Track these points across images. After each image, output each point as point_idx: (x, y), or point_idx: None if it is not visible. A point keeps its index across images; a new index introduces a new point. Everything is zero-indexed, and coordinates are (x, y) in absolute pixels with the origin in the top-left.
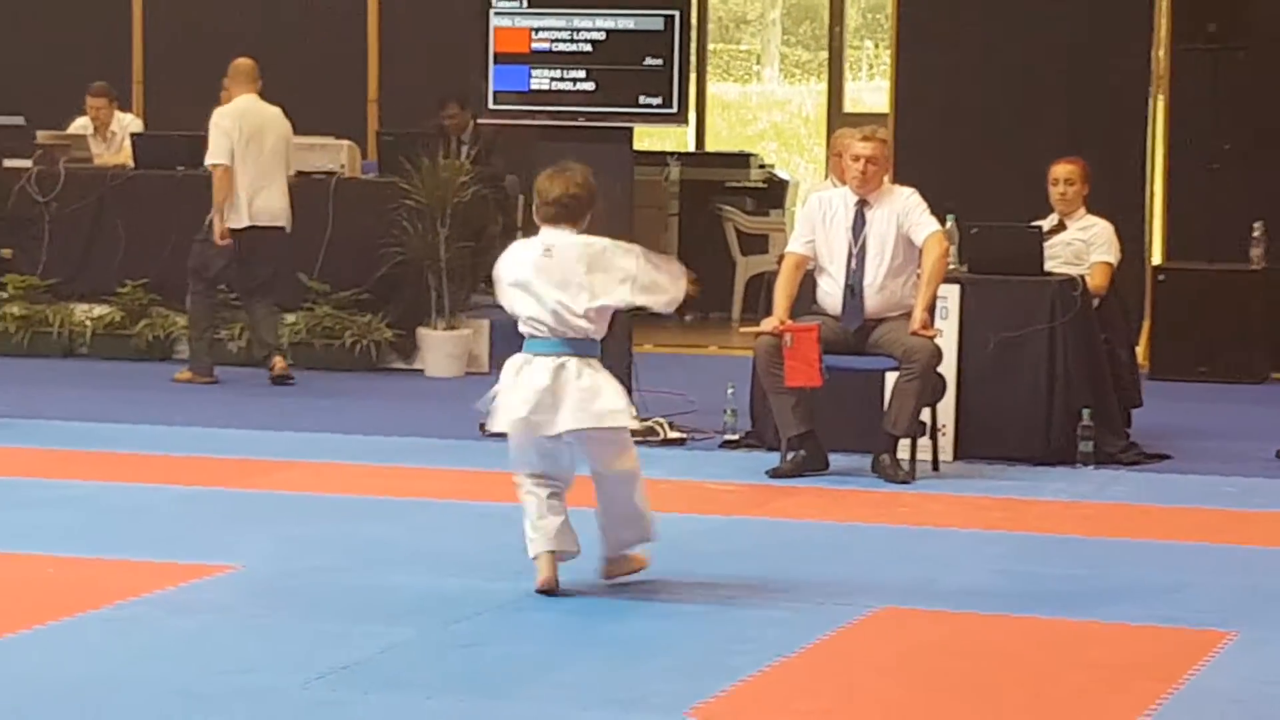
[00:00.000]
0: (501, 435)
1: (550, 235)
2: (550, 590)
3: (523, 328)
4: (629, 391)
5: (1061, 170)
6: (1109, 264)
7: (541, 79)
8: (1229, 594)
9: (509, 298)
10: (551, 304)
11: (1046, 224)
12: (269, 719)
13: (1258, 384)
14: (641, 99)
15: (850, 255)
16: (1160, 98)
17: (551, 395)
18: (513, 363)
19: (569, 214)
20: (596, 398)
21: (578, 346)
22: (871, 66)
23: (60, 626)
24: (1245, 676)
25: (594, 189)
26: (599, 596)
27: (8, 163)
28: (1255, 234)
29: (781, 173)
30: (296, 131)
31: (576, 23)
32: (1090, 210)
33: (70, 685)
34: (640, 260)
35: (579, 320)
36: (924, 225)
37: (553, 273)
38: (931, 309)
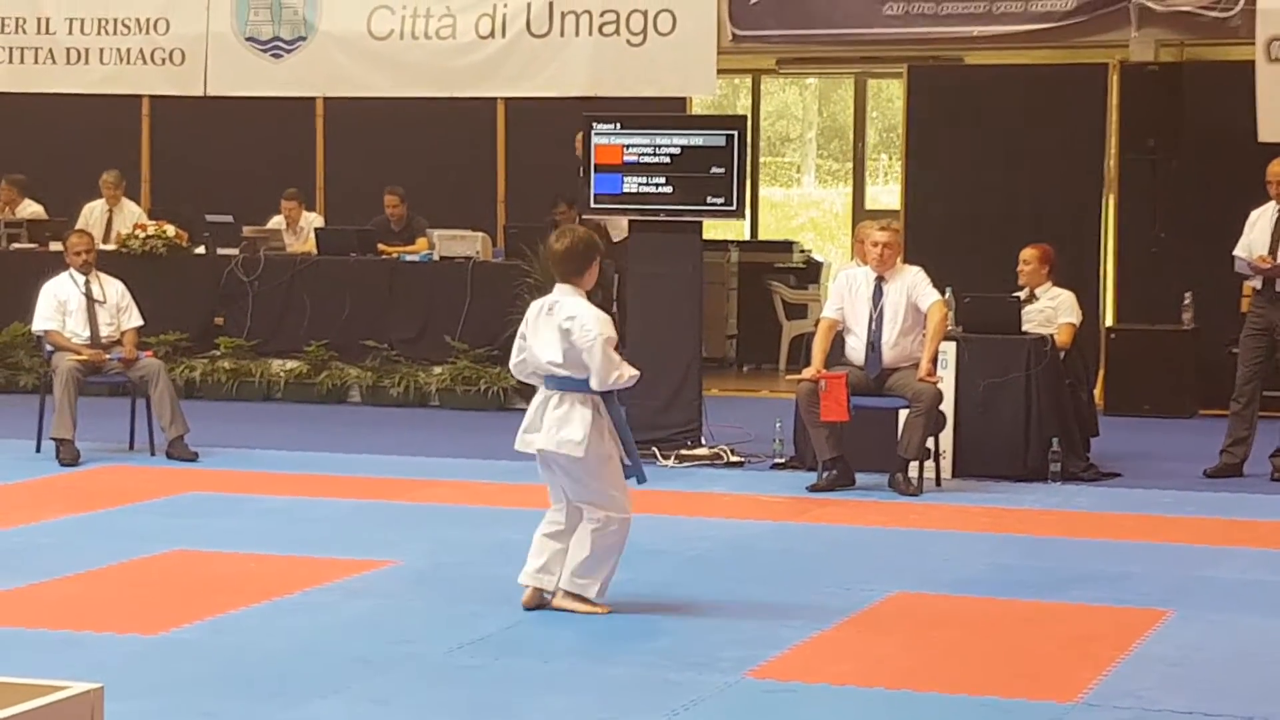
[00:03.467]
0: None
1: (557, 294)
2: (528, 607)
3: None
4: (699, 425)
5: (1025, 253)
6: (1072, 324)
7: (631, 184)
8: (1167, 580)
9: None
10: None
11: (1023, 295)
12: (422, 678)
13: (1189, 419)
14: (709, 199)
15: (871, 319)
16: (1111, 196)
17: (539, 419)
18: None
19: (574, 270)
20: (564, 426)
21: (562, 383)
22: (886, 174)
23: (261, 609)
24: (1181, 644)
25: (593, 246)
26: (670, 587)
27: (220, 250)
28: (1186, 302)
29: (817, 256)
30: (442, 225)
31: (658, 140)
32: (1056, 284)
33: (270, 654)
34: (596, 352)
35: (554, 366)
36: (928, 296)
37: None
38: (934, 361)
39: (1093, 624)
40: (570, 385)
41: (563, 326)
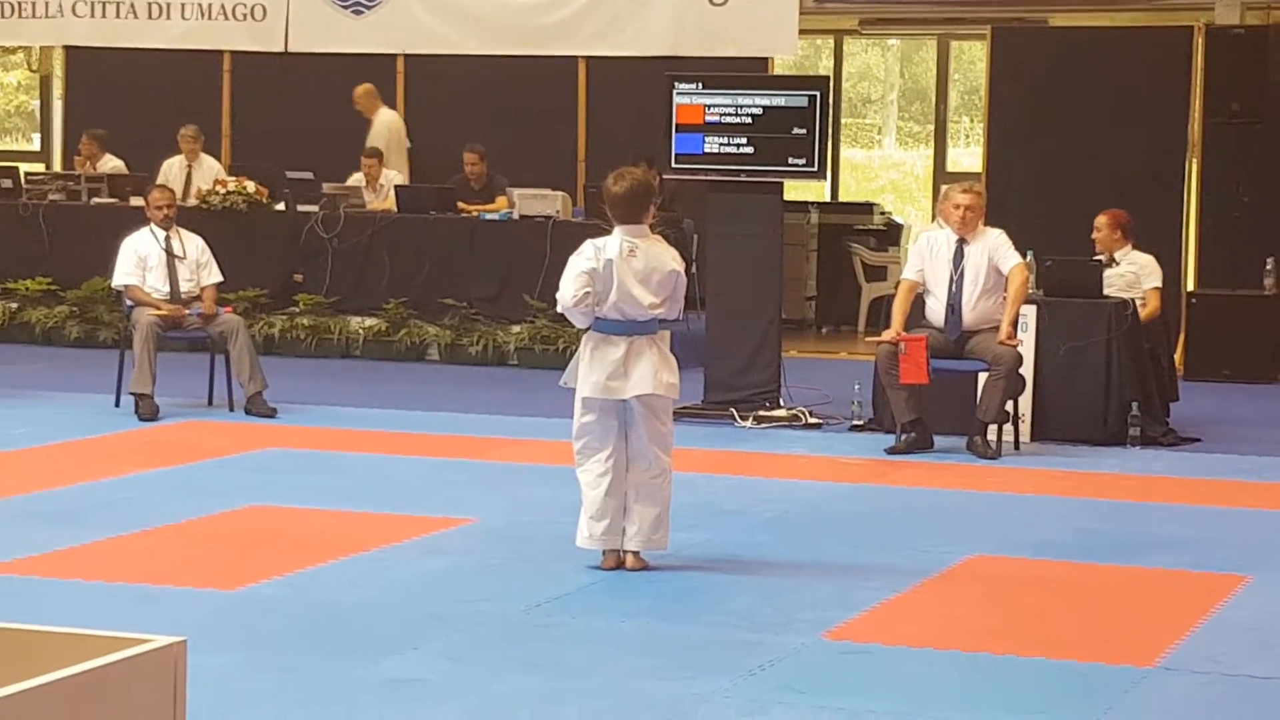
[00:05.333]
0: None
1: (627, 235)
2: (609, 569)
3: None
4: (778, 387)
5: (1097, 220)
6: (1157, 288)
7: (713, 144)
8: (1246, 546)
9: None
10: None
11: (1103, 260)
12: (499, 636)
13: (1269, 384)
14: (790, 160)
15: (951, 281)
16: (1194, 161)
17: (621, 367)
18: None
19: (636, 211)
20: (662, 369)
21: (645, 326)
22: (968, 137)
23: (340, 564)
24: (1260, 610)
25: (651, 186)
26: (747, 549)
27: (301, 207)
28: (1268, 267)
29: (897, 218)
30: (522, 184)
31: (740, 100)
32: (1136, 248)
33: (348, 608)
34: (682, 289)
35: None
36: (1009, 259)
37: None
38: (1015, 324)
39: (1171, 589)
40: (653, 328)
41: (658, 269)
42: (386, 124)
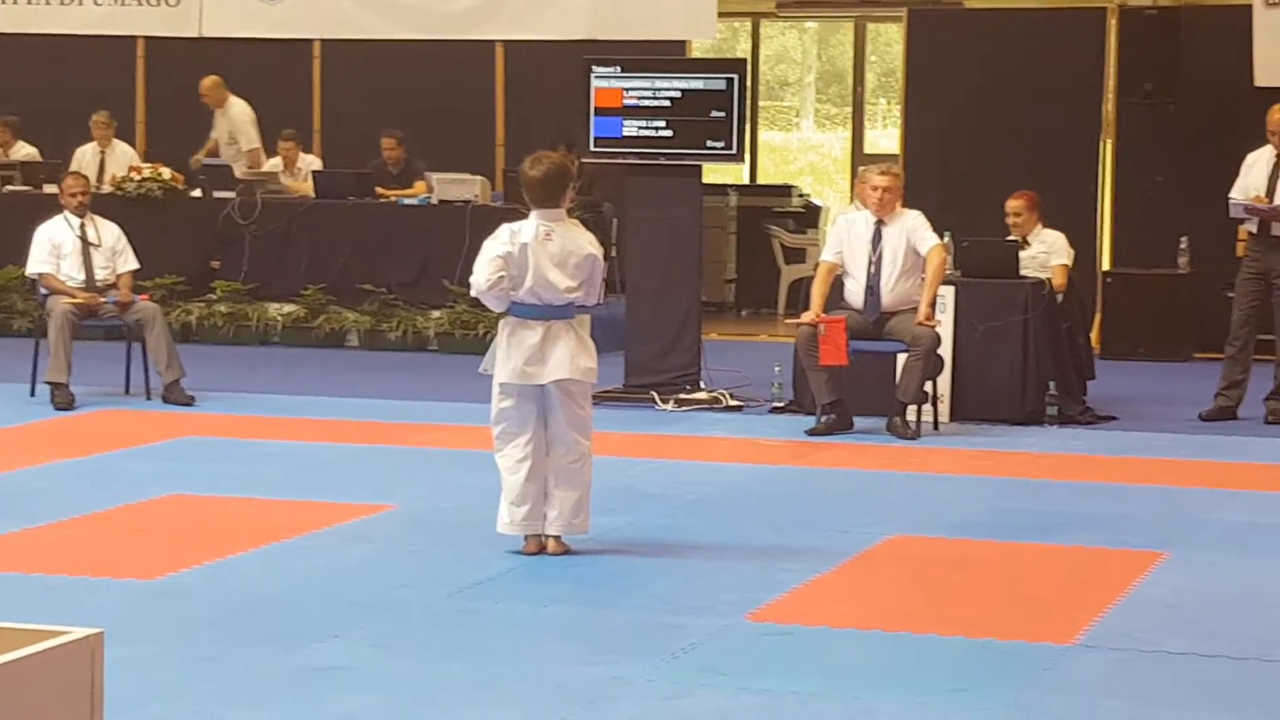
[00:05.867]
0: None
1: (543, 219)
2: (531, 554)
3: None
4: (698, 370)
5: (1012, 204)
6: (1065, 265)
7: (631, 127)
8: (1163, 523)
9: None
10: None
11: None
12: (420, 624)
13: (1184, 362)
14: (708, 143)
15: (870, 263)
16: (1108, 141)
17: (539, 352)
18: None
19: (553, 195)
20: (580, 354)
21: (563, 311)
22: (885, 119)
23: (260, 552)
24: (1175, 587)
25: (567, 170)
26: (668, 531)
27: (217, 194)
28: (1182, 246)
29: (816, 200)
30: (440, 169)
31: (658, 84)
32: (1045, 225)
33: (269, 596)
34: (599, 275)
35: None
36: (927, 240)
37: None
38: (933, 305)
39: (1089, 566)
40: (570, 313)
41: (575, 253)
42: (244, 113)
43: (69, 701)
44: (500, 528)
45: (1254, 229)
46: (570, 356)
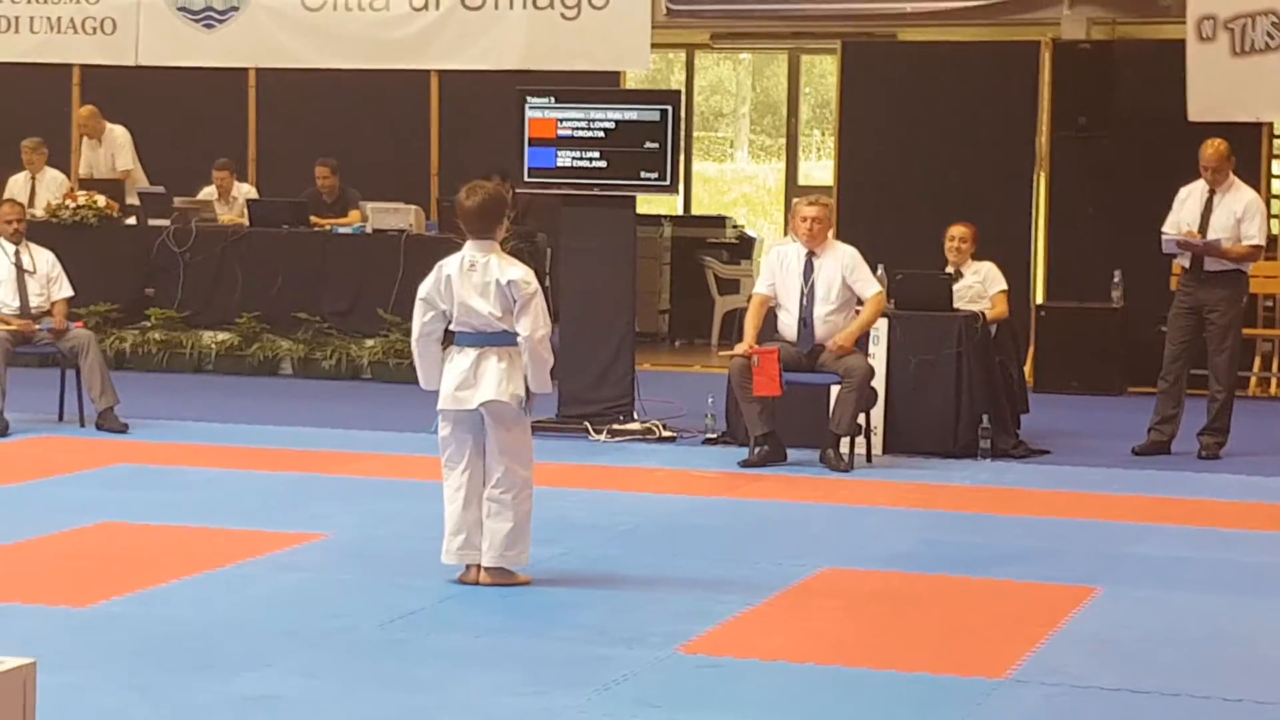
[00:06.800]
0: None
1: (474, 250)
2: (466, 583)
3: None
4: (631, 400)
5: (957, 230)
6: (1004, 292)
7: (565, 158)
8: (1095, 557)
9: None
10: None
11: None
12: (353, 653)
13: (1117, 396)
14: (642, 174)
15: (802, 294)
16: (1042, 173)
17: (472, 376)
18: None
19: (489, 226)
20: (507, 379)
21: (495, 339)
22: (819, 150)
23: (193, 581)
24: (1109, 621)
25: (503, 200)
26: (601, 562)
27: (152, 221)
28: (1115, 280)
29: (750, 231)
30: (375, 198)
31: (592, 115)
32: (975, 258)
33: (201, 625)
34: (535, 306)
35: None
36: (869, 286)
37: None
38: (853, 340)
39: (1021, 600)
40: (503, 340)
41: (500, 281)
42: (125, 138)
43: None
44: (442, 557)
45: (1187, 264)
46: (499, 380)
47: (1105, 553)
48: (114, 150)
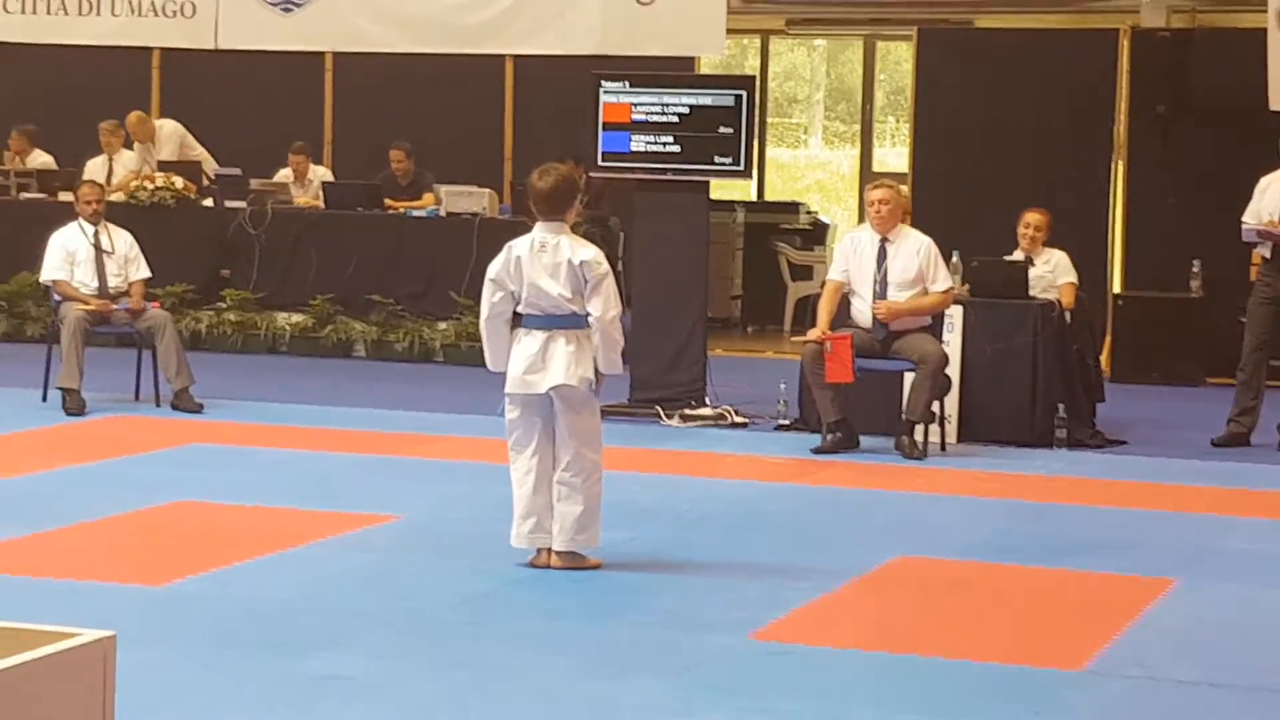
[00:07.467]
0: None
1: (544, 232)
2: (538, 566)
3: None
4: (704, 386)
5: (1032, 217)
6: (1073, 284)
7: (639, 142)
8: (1173, 550)
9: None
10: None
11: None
12: (424, 635)
13: (1195, 387)
14: (716, 159)
15: (875, 281)
16: (1120, 162)
17: (540, 360)
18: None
19: (560, 207)
20: (577, 362)
21: (565, 321)
22: (894, 137)
23: (266, 560)
24: (1185, 614)
25: (575, 182)
26: (672, 548)
27: (228, 204)
28: (1194, 269)
29: (824, 218)
30: (449, 181)
31: (666, 99)
32: (1048, 245)
33: (273, 605)
34: (606, 288)
35: (566, 302)
36: (942, 281)
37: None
38: (906, 314)
39: (1098, 592)
40: (573, 323)
41: (573, 262)
42: (174, 132)
43: (82, 704)
44: (512, 540)
45: (1267, 254)
46: (568, 364)
47: (1183, 545)
48: (168, 146)
